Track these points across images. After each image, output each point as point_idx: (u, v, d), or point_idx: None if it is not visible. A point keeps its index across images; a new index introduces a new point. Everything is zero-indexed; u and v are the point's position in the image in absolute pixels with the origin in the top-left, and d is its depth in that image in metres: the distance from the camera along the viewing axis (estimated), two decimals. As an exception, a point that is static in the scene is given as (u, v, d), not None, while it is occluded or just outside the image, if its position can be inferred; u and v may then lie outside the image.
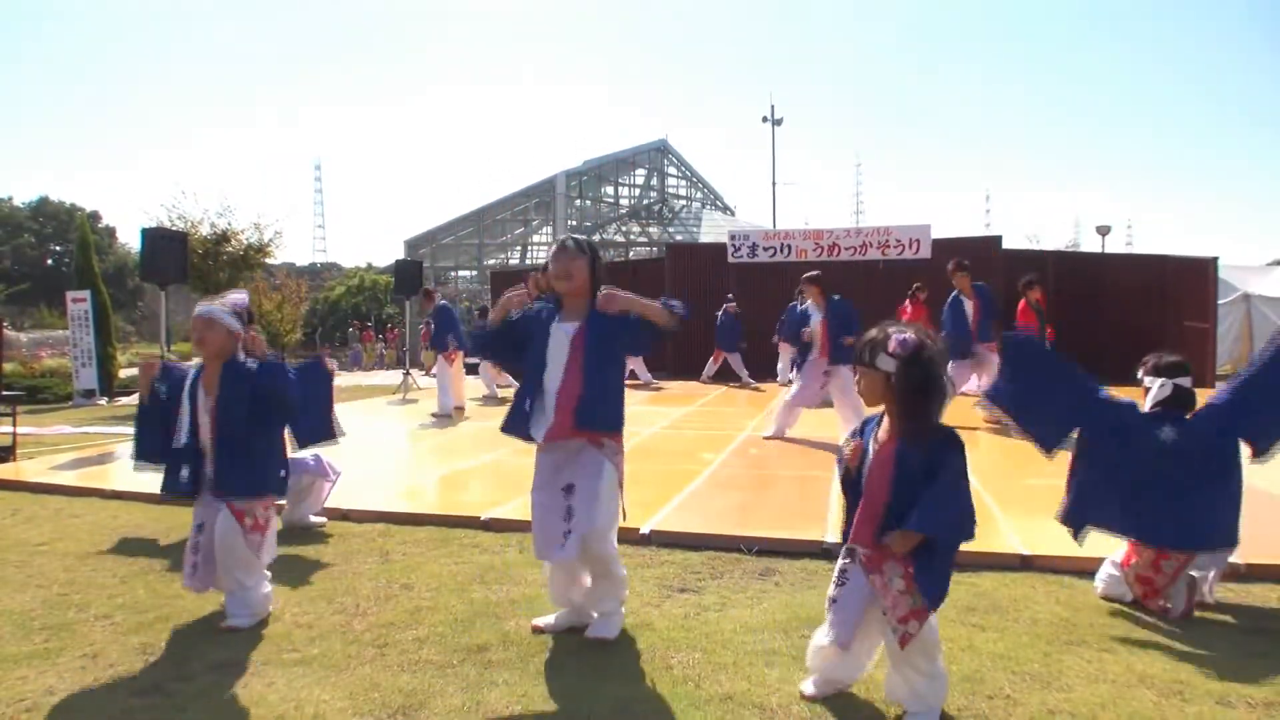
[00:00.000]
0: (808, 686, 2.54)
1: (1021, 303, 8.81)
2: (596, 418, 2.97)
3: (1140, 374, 3.43)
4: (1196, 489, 3.18)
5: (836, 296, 7.10)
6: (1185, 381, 3.32)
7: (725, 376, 13.38)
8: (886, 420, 2.41)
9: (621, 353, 3.13)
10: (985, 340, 7.85)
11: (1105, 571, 3.40)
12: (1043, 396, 3.48)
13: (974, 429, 7.77)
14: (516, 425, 3.06)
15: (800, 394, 7.24)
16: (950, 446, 2.30)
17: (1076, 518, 3.39)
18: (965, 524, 2.29)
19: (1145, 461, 3.25)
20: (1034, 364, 3.59)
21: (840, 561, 2.48)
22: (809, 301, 7.43)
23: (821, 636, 2.49)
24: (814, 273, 7.70)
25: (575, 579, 3.08)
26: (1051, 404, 3.46)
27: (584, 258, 3.07)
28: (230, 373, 3.25)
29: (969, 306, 7.96)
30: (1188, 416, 3.31)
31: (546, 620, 3.12)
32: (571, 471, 2.96)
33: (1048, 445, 3.46)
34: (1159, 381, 3.33)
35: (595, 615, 3.07)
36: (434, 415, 9.63)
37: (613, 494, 2.99)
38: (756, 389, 12.34)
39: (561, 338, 3.00)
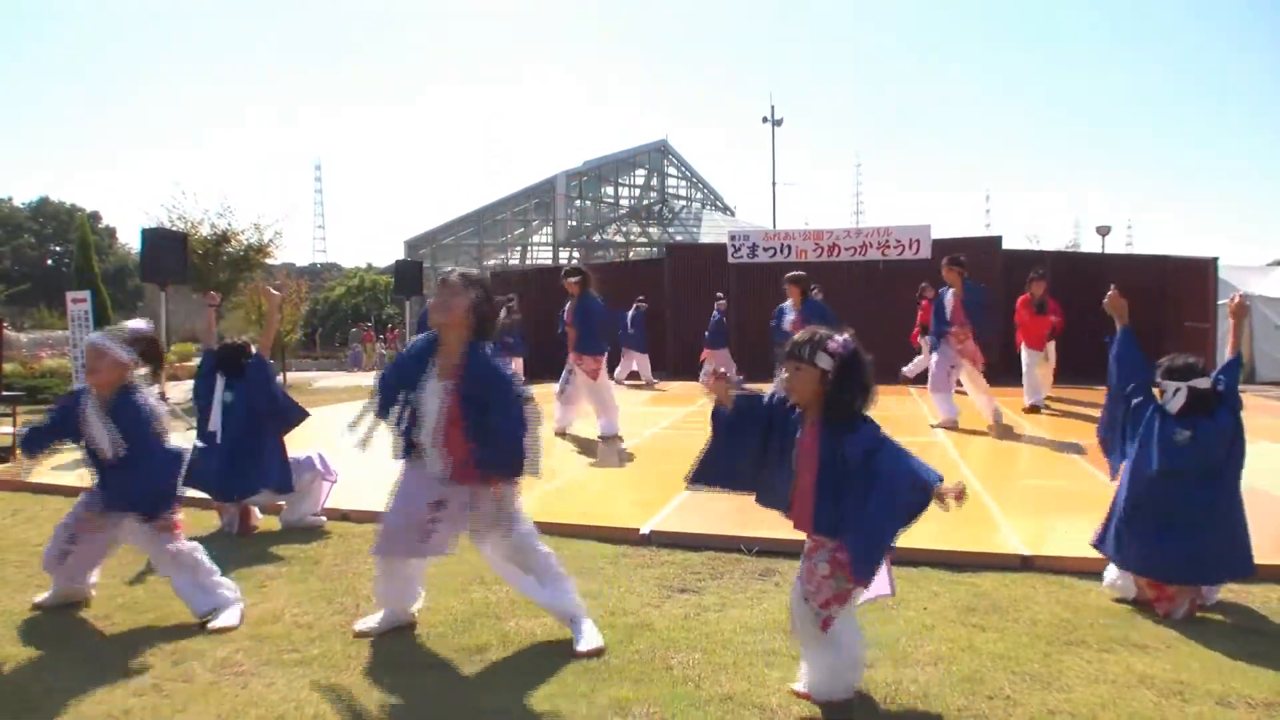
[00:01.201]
0: (800, 685, 2.56)
1: (1024, 295, 8.98)
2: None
3: (1158, 377, 3.37)
4: (1211, 517, 3.15)
5: (816, 294, 7.11)
6: (1202, 383, 3.23)
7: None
8: (807, 416, 2.46)
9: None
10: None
11: (1116, 570, 3.38)
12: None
13: (978, 432, 7.77)
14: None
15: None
16: (876, 439, 2.40)
17: (1105, 547, 3.38)
18: (912, 503, 2.45)
19: (1162, 477, 3.21)
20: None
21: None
22: (787, 300, 7.50)
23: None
24: (795, 273, 7.76)
25: (410, 579, 3.11)
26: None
27: (466, 295, 2.88)
28: (120, 404, 3.29)
29: (949, 299, 7.71)
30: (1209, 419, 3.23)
31: (369, 623, 3.10)
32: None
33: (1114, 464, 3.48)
34: (1173, 387, 3.26)
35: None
36: None
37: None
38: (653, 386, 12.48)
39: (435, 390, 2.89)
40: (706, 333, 12.97)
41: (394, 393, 2.99)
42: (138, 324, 3.53)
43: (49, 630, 3.19)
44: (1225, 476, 3.23)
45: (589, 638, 2.91)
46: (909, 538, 4.20)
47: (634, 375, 13.18)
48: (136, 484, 3.25)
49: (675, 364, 14.00)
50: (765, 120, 32.39)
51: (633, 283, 14.43)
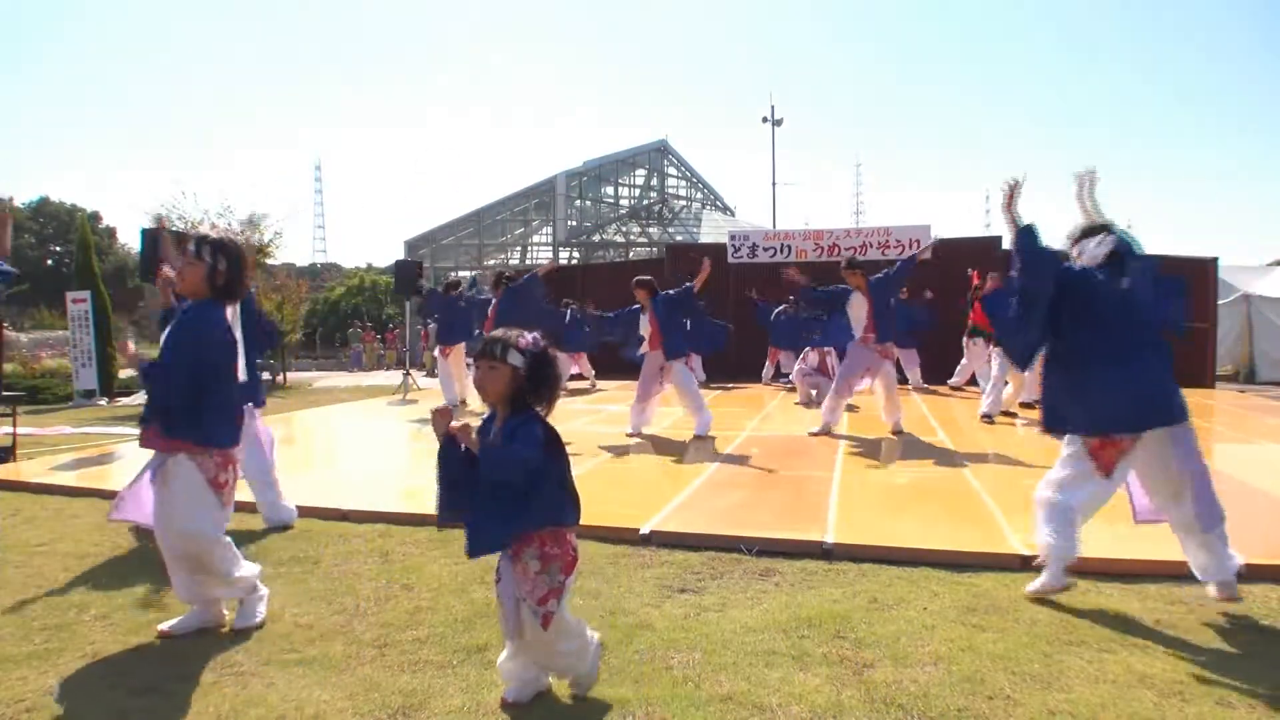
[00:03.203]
0: (509, 694, 2.54)
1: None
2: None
3: (1069, 247, 3.36)
4: (1143, 359, 3.18)
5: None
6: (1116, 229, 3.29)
7: (714, 374, 13.39)
8: (499, 415, 2.48)
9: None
10: (883, 341, 7.49)
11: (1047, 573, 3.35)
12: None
13: (978, 433, 7.78)
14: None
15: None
16: (534, 422, 2.41)
17: (1053, 423, 3.42)
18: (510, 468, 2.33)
19: (1102, 320, 3.21)
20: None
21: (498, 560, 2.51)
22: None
23: (505, 650, 2.55)
24: (640, 277, 7.80)
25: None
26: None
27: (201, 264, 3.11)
28: None
29: (859, 304, 7.51)
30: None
31: (172, 623, 3.17)
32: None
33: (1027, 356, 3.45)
34: (1096, 239, 3.26)
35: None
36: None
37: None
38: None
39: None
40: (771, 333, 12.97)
41: None
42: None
43: (49, 630, 3.19)
44: (1153, 325, 3.26)
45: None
46: (909, 538, 4.22)
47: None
48: None
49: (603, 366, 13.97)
50: (765, 120, 32.41)
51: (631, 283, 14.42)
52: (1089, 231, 3.34)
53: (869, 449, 6.80)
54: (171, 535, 3.10)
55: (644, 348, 7.63)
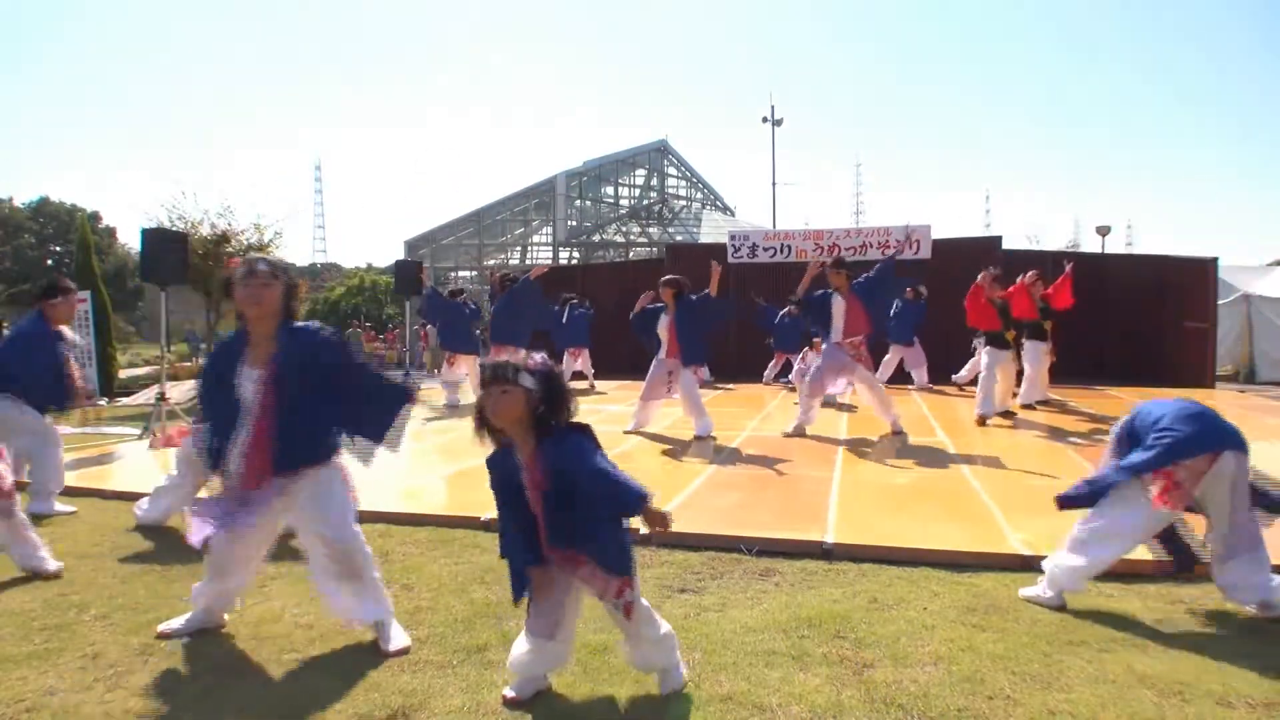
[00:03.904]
0: (510, 691, 2.55)
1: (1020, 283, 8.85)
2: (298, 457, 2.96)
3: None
4: None
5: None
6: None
7: (719, 375, 13.40)
8: (521, 441, 2.50)
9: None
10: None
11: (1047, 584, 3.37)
12: None
13: (978, 433, 7.78)
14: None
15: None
16: (582, 442, 2.51)
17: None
18: (625, 505, 2.49)
19: None
20: None
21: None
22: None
23: (521, 645, 2.56)
24: (669, 277, 7.77)
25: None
26: None
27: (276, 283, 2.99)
28: None
29: (839, 305, 7.37)
30: None
31: (175, 624, 3.13)
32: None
33: None
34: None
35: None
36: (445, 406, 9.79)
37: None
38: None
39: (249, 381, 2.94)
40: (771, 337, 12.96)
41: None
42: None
43: (49, 630, 3.19)
44: None
45: (397, 638, 2.98)
46: (909, 538, 4.22)
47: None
48: None
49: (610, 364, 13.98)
50: (765, 120, 32.37)
51: (633, 282, 14.43)
52: None
53: (868, 449, 6.80)
54: (335, 543, 3.00)
55: (663, 351, 7.58)
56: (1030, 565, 3.75)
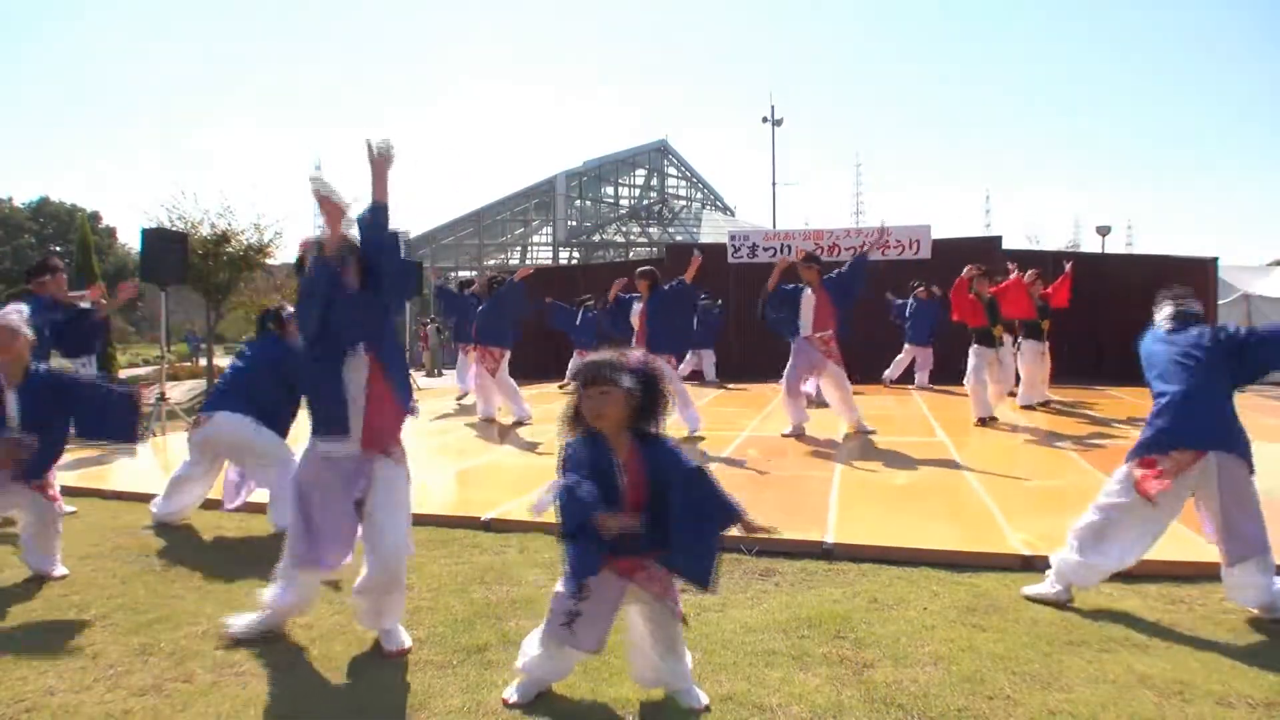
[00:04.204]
0: (512, 693, 2.53)
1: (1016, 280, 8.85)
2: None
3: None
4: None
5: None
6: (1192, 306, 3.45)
7: (723, 375, 13.41)
8: (617, 440, 2.45)
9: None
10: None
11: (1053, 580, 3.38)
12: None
13: (978, 433, 7.77)
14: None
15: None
16: (678, 447, 2.50)
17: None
18: (725, 521, 2.43)
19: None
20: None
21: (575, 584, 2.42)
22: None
23: (539, 649, 2.52)
24: (643, 268, 7.81)
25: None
26: None
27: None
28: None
29: (808, 300, 7.32)
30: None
31: (242, 624, 3.07)
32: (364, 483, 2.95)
33: None
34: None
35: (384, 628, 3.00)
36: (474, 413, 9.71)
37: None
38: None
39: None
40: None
41: None
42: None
43: (49, 630, 3.19)
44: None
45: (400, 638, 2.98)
46: (909, 538, 4.22)
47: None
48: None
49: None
50: (765, 120, 32.41)
51: (633, 283, 14.43)
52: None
53: (868, 449, 6.80)
54: (396, 550, 2.97)
55: (633, 340, 7.59)
56: (1030, 565, 3.75)
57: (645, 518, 2.38)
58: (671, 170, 38.49)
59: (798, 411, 7.46)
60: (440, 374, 19.49)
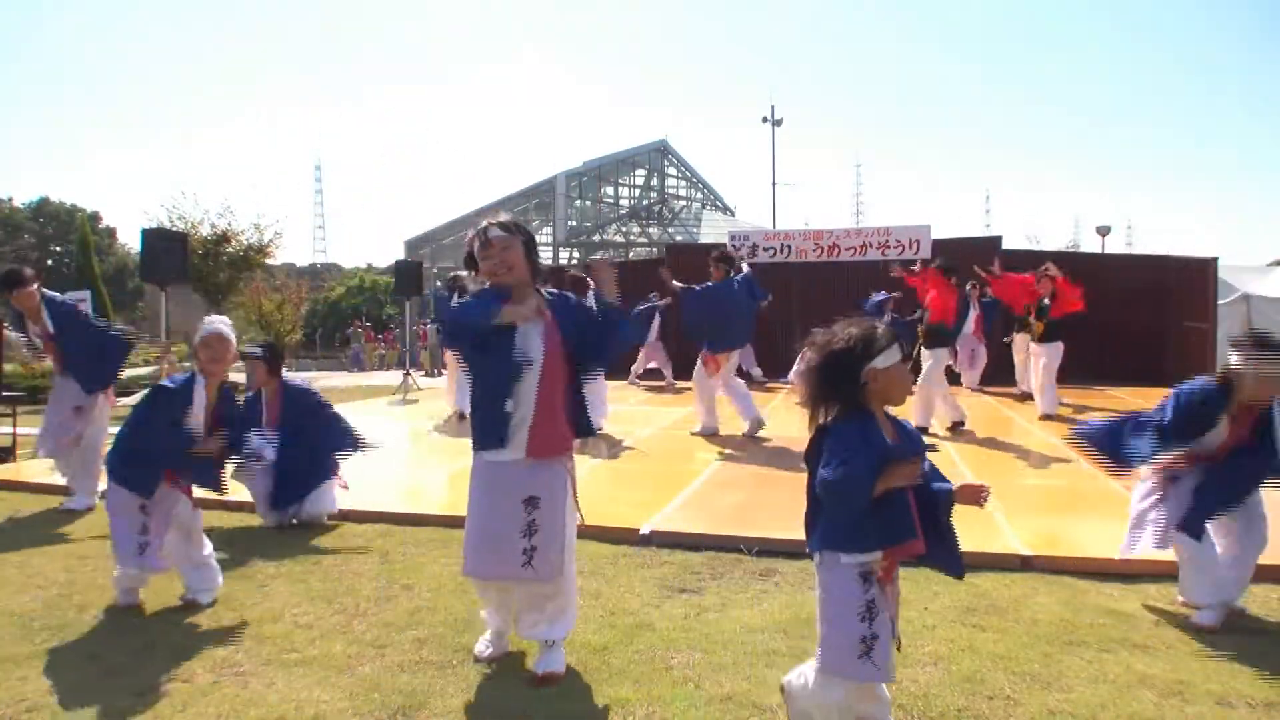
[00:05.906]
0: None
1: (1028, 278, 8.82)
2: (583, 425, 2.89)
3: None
4: None
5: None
6: None
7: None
8: (883, 419, 2.34)
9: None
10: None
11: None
12: None
13: (978, 433, 7.77)
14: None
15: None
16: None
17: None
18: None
19: None
20: None
21: (870, 592, 2.23)
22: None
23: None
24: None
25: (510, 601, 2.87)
26: None
27: (517, 238, 2.76)
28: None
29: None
30: None
31: (486, 649, 2.89)
32: (533, 484, 2.70)
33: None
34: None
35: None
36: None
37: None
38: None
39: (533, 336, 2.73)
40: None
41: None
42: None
43: (49, 630, 3.18)
44: None
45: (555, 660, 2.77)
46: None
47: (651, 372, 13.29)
48: None
49: (677, 363, 13.99)
50: (765, 120, 32.38)
51: (633, 283, 14.44)
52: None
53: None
54: (560, 557, 2.73)
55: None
56: (1030, 565, 3.75)
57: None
58: (671, 170, 38.48)
59: (711, 414, 7.61)
60: (440, 374, 19.47)
